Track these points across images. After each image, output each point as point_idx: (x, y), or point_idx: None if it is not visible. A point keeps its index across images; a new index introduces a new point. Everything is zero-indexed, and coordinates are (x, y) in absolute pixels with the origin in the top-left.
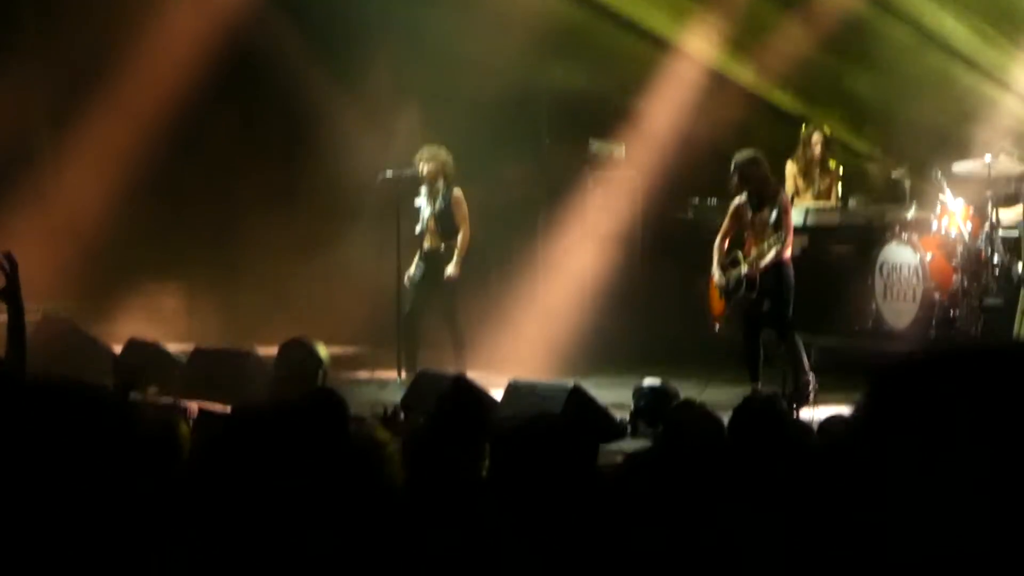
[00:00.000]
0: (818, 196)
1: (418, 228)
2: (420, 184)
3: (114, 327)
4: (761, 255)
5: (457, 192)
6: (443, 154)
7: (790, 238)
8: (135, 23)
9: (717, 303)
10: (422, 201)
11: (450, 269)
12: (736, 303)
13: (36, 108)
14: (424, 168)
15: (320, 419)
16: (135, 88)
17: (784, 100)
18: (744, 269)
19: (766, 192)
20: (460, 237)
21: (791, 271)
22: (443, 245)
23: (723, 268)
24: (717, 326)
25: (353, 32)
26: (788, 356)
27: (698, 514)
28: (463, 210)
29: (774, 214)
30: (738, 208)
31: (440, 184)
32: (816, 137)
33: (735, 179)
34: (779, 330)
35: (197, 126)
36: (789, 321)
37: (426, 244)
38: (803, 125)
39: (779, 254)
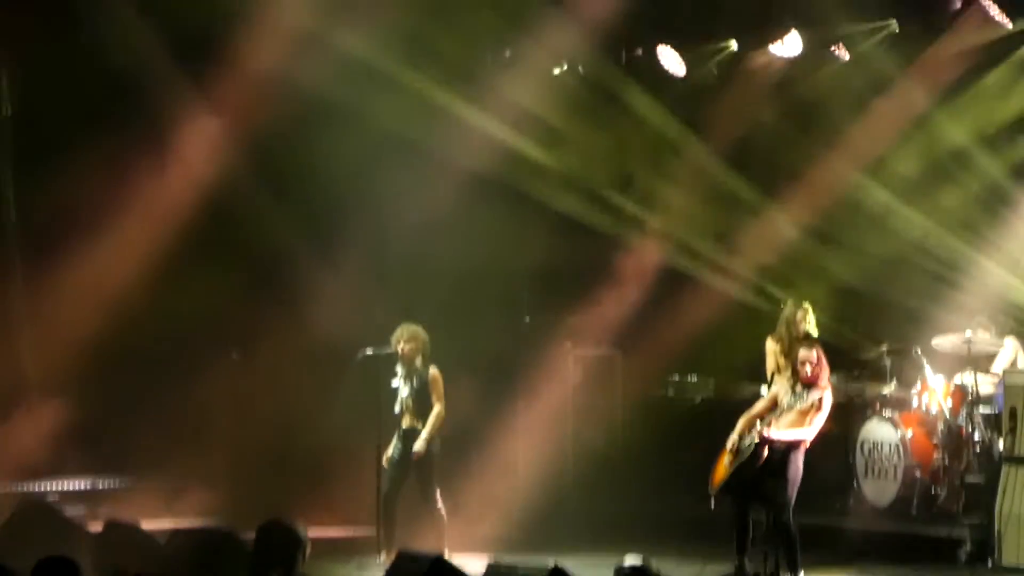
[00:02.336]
0: None
1: (397, 408)
2: (397, 363)
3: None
4: (780, 428)
5: (434, 371)
6: (420, 333)
7: (815, 429)
8: (117, 187)
9: (720, 471)
10: (399, 381)
11: (416, 445)
12: (738, 471)
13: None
14: (402, 348)
15: None
16: (108, 254)
17: (761, 282)
18: (760, 431)
19: (817, 384)
20: (434, 414)
21: (802, 459)
22: (421, 424)
23: (740, 436)
24: (713, 501)
25: (334, 207)
26: (779, 540)
27: None
28: (439, 388)
29: (810, 404)
30: (776, 393)
31: (418, 363)
32: (800, 315)
33: (812, 363)
34: (775, 512)
35: (170, 297)
36: (787, 505)
37: (404, 423)
38: (784, 303)
39: (798, 439)
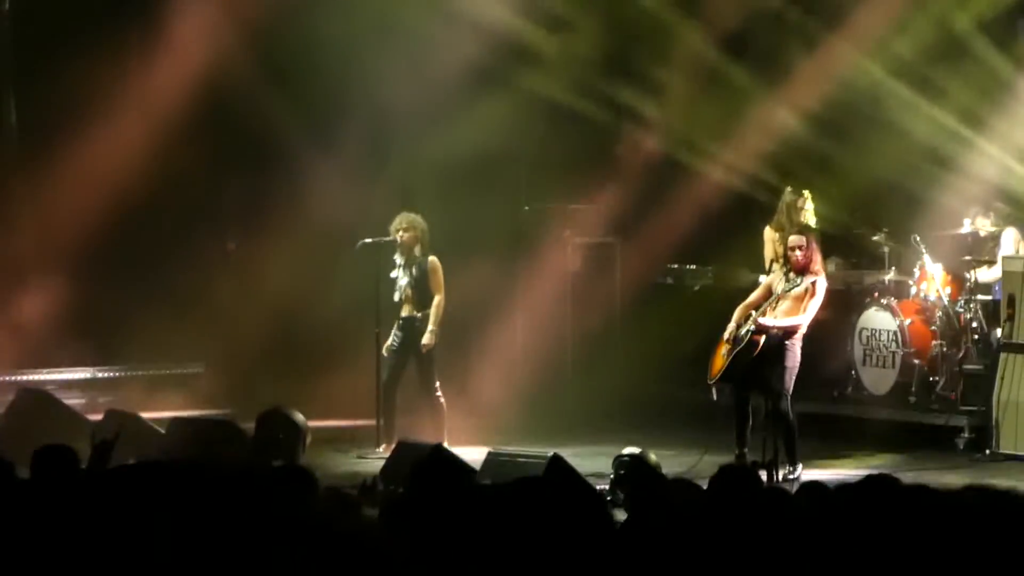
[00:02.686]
0: None
1: (396, 296)
2: (396, 252)
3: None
4: (776, 316)
5: (433, 259)
6: (419, 221)
7: (810, 315)
8: (116, 76)
9: (718, 361)
10: (398, 270)
11: (425, 338)
12: (735, 359)
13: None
14: (401, 236)
15: (288, 496)
16: (107, 143)
17: (760, 171)
18: (755, 319)
19: (808, 270)
20: (435, 304)
21: (800, 346)
22: (420, 313)
23: (738, 325)
24: (714, 391)
25: (332, 95)
26: (777, 428)
27: None
28: (439, 277)
29: (805, 290)
30: (771, 281)
31: (417, 252)
32: (801, 202)
33: (800, 248)
34: (772, 400)
35: (168, 186)
36: (784, 394)
37: (403, 312)
38: (786, 190)
39: (793, 325)
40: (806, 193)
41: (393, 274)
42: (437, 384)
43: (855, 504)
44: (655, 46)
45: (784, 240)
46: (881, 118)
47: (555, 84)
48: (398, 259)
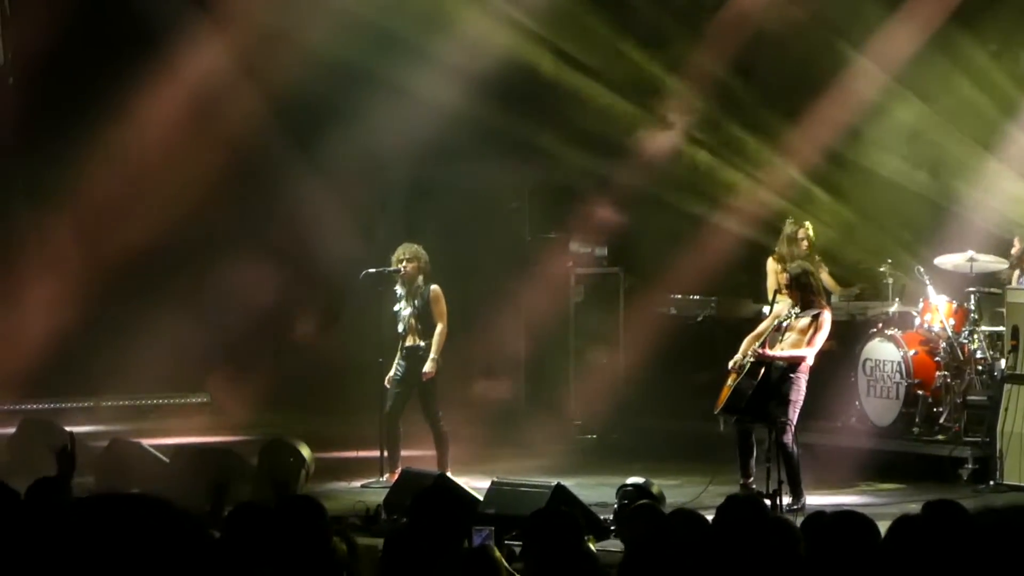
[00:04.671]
0: None
1: (400, 327)
2: (397, 283)
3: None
4: (782, 347)
5: (435, 288)
6: (421, 252)
7: (814, 348)
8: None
9: (724, 392)
10: (401, 301)
11: (426, 366)
12: (737, 390)
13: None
14: (404, 267)
15: (299, 527)
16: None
17: (766, 199)
18: (757, 350)
19: (812, 303)
20: (437, 333)
21: (805, 379)
22: (424, 342)
23: (743, 355)
24: (721, 422)
25: (335, 125)
26: (780, 459)
27: None
28: (441, 306)
29: (808, 322)
30: (778, 312)
31: (419, 282)
32: (801, 233)
33: (791, 287)
34: (776, 431)
35: (172, 220)
36: (788, 425)
37: (407, 342)
38: (786, 222)
39: (797, 357)
40: (806, 224)
41: (396, 306)
42: (440, 413)
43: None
44: (660, 78)
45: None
46: (885, 148)
47: (559, 114)
48: (399, 290)
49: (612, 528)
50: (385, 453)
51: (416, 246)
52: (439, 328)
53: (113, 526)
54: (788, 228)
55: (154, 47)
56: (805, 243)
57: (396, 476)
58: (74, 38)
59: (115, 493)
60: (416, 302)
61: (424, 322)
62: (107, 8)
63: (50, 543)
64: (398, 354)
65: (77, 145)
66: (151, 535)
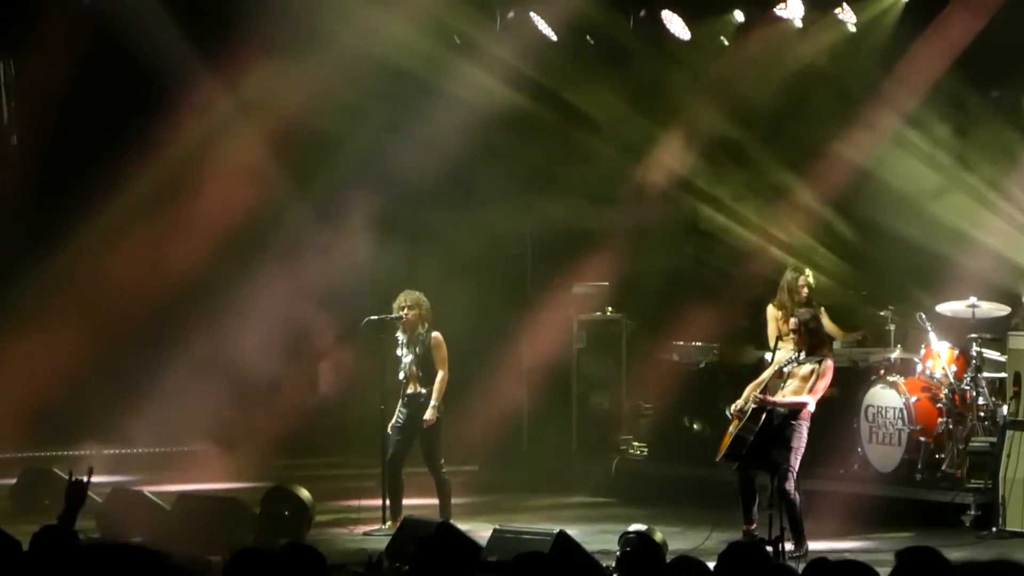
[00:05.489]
0: None
1: (400, 375)
2: (398, 330)
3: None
4: (784, 394)
5: (437, 335)
6: (422, 299)
7: (816, 395)
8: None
9: (726, 439)
10: (402, 348)
11: (427, 414)
12: (737, 436)
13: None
14: (405, 314)
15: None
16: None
17: (771, 246)
18: (758, 396)
19: (817, 349)
20: (438, 380)
21: (807, 426)
22: (425, 389)
23: (745, 401)
24: (721, 460)
25: (337, 172)
26: (782, 506)
27: None
28: (443, 353)
29: (811, 369)
30: (780, 359)
31: (421, 329)
32: (802, 280)
33: (799, 332)
34: (778, 478)
35: (185, 274)
36: (790, 471)
37: (408, 389)
38: (787, 269)
39: (798, 403)
40: (807, 272)
41: (397, 352)
42: (442, 460)
43: None
44: (663, 122)
45: (788, 319)
46: (887, 199)
47: (560, 162)
48: (401, 336)
49: (615, 575)
50: (387, 501)
51: (417, 293)
52: (440, 375)
53: None
54: (788, 275)
55: (160, 102)
56: (805, 290)
57: (398, 524)
58: (79, 95)
59: (115, 542)
60: (417, 349)
61: (425, 369)
62: (113, 64)
63: None
64: (400, 401)
65: (82, 196)
66: None
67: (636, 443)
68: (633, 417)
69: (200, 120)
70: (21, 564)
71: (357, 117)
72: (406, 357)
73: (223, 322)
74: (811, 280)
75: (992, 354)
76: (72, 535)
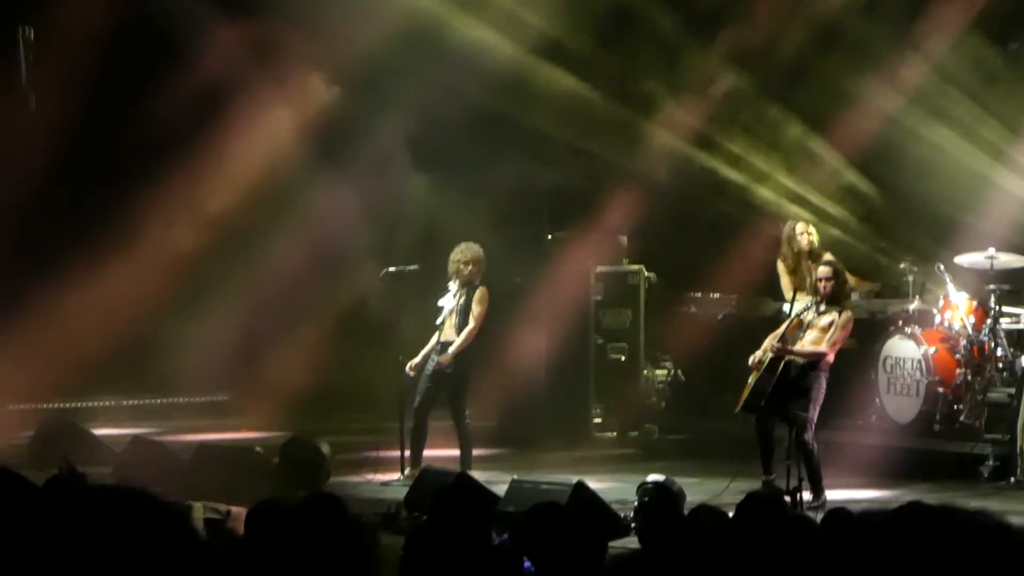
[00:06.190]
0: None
1: (439, 320)
2: (451, 280)
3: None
4: (802, 345)
5: (482, 289)
6: (480, 253)
7: (835, 346)
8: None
9: (746, 390)
10: (449, 296)
11: (442, 357)
12: (755, 388)
13: None
14: (462, 268)
15: (321, 523)
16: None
17: (789, 201)
18: (776, 347)
19: (838, 299)
20: (467, 330)
21: (826, 377)
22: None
23: (764, 352)
24: (739, 411)
25: (355, 127)
26: (800, 457)
27: None
28: (482, 308)
29: (830, 320)
30: (805, 312)
31: (475, 282)
32: (800, 228)
33: (827, 280)
34: (796, 429)
35: (208, 227)
36: (808, 422)
37: (442, 337)
38: (785, 223)
39: (817, 354)
40: (801, 223)
41: (441, 301)
42: (467, 412)
43: (888, 533)
44: (674, 73)
45: (796, 270)
46: (908, 147)
47: (579, 115)
48: (452, 286)
49: (632, 526)
50: (408, 450)
51: (476, 247)
52: (469, 327)
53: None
54: (787, 228)
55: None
56: (804, 239)
57: (417, 473)
58: (99, 56)
59: (126, 486)
60: (462, 300)
61: (463, 320)
62: (133, 25)
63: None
64: (434, 349)
65: (103, 155)
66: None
67: (647, 425)
68: (651, 370)
69: (226, 69)
70: (33, 504)
71: (371, 75)
72: (449, 304)
73: (248, 271)
74: (812, 232)
75: (1013, 310)
76: (81, 476)
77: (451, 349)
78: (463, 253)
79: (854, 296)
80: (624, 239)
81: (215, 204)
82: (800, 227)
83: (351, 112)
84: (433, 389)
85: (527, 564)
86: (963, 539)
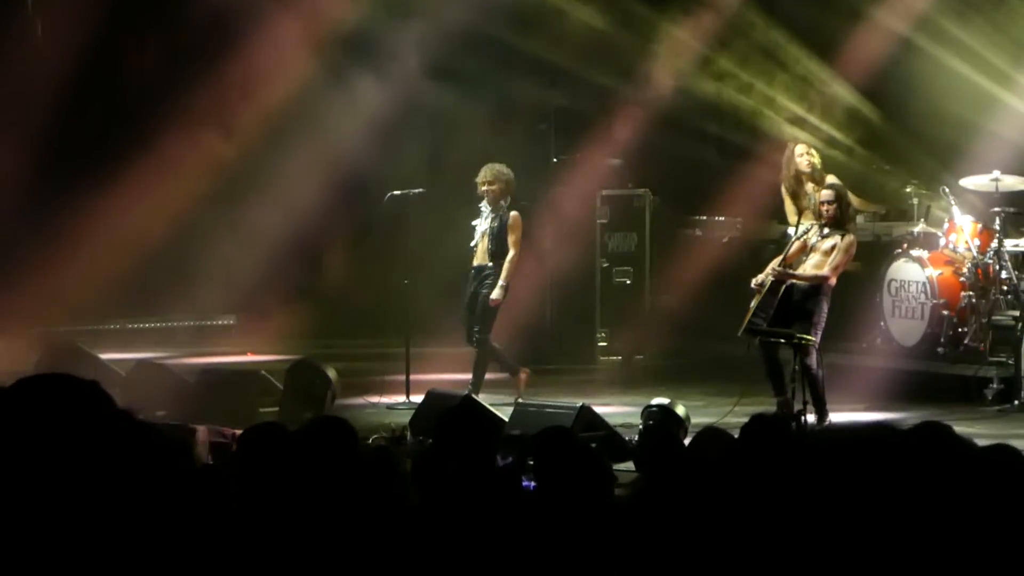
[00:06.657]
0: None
1: (472, 243)
2: (482, 202)
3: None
4: (804, 268)
5: (515, 214)
6: (505, 172)
7: (836, 269)
8: None
9: (748, 314)
10: (481, 219)
11: (494, 293)
12: (756, 310)
13: None
14: (486, 189)
15: (330, 446)
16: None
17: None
18: (776, 269)
19: (842, 223)
20: (508, 259)
21: (827, 300)
22: (491, 264)
23: (766, 275)
24: (746, 344)
25: (361, 47)
26: (805, 380)
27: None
28: (517, 233)
29: (832, 244)
30: (806, 234)
31: (504, 203)
32: (799, 150)
33: (829, 203)
34: (800, 352)
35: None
36: (808, 346)
37: (476, 261)
38: (786, 146)
39: (819, 277)
40: (801, 144)
41: (474, 222)
42: (489, 336)
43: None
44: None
45: (796, 194)
46: (914, 70)
47: (582, 38)
48: (484, 208)
49: (636, 448)
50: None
51: (499, 166)
52: (511, 254)
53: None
54: (786, 151)
55: None
56: (803, 160)
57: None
58: None
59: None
60: (494, 223)
61: (496, 244)
62: None
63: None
64: (470, 274)
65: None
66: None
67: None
68: (656, 293)
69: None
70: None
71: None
72: (481, 227)
73: (250, 198)
74: (814, 154)
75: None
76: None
77: (500, 283)
78: (484, 174)
79: (860, 219)
80: (619, 161)
81: (225, 127)
82: (800, 149)
83: (366, 26)
84: (468, 310)
85: (526, 483)
86: (974, 460)
